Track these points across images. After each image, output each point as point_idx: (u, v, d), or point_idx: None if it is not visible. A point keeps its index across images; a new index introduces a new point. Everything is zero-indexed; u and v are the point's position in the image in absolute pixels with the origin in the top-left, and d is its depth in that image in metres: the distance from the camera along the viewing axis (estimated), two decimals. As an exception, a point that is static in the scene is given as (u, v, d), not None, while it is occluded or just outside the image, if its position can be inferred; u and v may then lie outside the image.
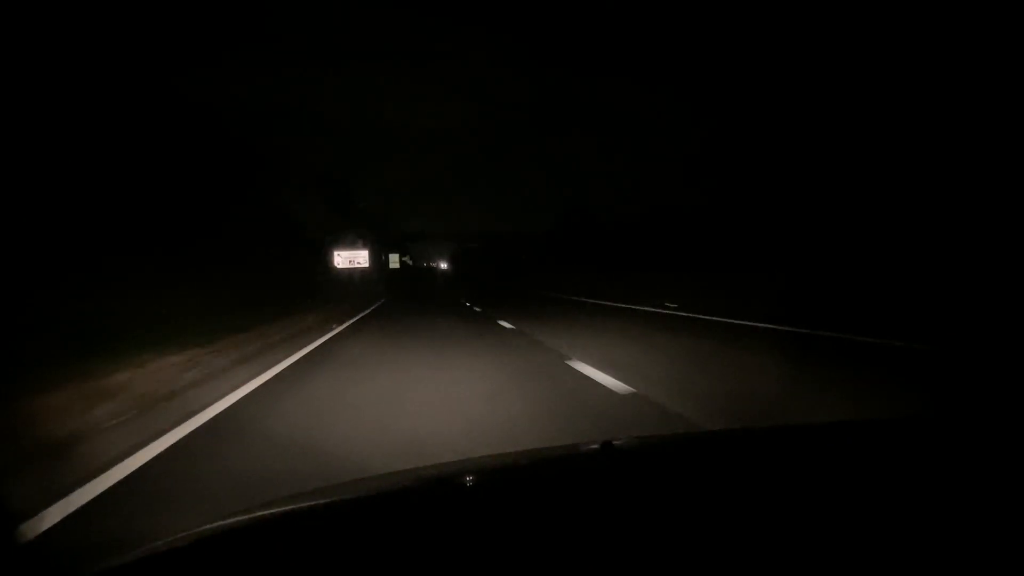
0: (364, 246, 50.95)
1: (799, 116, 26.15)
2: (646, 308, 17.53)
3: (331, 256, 48.96)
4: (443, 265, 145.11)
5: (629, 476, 1.17)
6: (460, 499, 1.11)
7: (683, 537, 0.84)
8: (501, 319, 15.65)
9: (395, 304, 28.23)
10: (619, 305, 19.97)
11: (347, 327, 16.09)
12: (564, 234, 63.87)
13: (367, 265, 50.17)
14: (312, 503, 1.16)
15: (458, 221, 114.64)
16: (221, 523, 1.01)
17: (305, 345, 10.70)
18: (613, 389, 5.71)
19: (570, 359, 7.65)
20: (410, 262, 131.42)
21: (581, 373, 6.68)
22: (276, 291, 25.40)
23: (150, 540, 0.93)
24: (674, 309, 16.33)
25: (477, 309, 21.22)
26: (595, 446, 1.27)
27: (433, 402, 5.49)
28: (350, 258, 49.70)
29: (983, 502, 0.92)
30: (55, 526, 2.76)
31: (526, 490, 1.14)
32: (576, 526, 0.89)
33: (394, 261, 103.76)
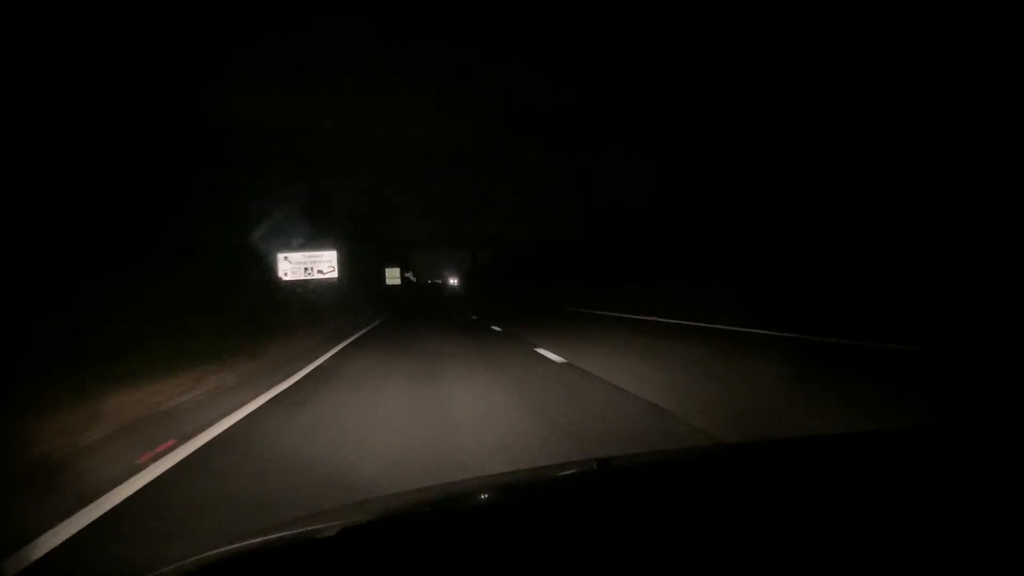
0: (332, 246, 31.47)
1: (819, 121, 25.73)
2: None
3: (276, 264, 29.54)
4: (452, 281, 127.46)
5: (625, 494, 1.16)
6: (457, 521, 1.10)
7: (679, 556, 0.82)
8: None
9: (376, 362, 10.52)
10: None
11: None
12: (601, 239, 54.54)
13: (335, 275, 30.67)
14: (316, 526, 1.14)
15: (470, 227, 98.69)
16: (230, 547, 1.00)
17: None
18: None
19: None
20: (413, 278, 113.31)
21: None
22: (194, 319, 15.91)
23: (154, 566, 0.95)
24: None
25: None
26: (592, 464, 1.29)
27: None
28: (306, 264, 30.22)
29: (996, 514, 0.90)
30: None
31: (523, 511, 1.12)
32: (572, 546, 0.88)
33: (392, 276, 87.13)
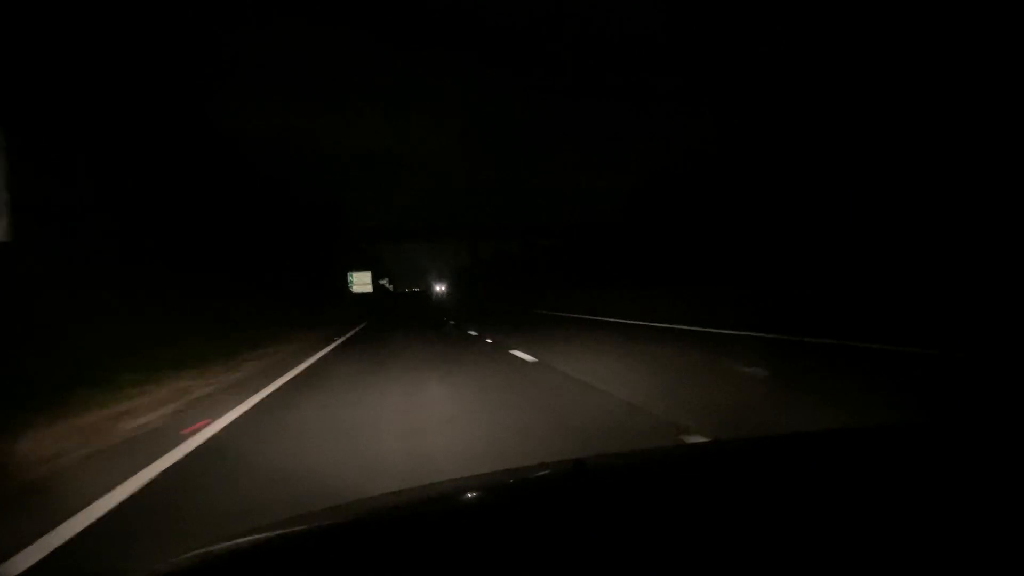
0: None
1: (801, 120, 25.86)
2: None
3: None
4: (439, 288, 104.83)
5: (599, 495, 1.14)
6: (435, 523, 1.08)
7: (652, 559, 0.81)
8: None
9: None
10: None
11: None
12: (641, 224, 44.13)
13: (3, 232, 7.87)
14: (292, 529, 1.12)
15: (463, 218, 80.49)
16: (207, 549, 0.99)
17: None
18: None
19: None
20: (389, 285, 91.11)
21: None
22: None
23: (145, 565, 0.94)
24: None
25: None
26: (567, 465, 1.22)
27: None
28: None
29: (985, 509, 0.88)
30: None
31: (496, 514, 1.11)
32: (545, 548, 0.87)
33: (362, 282, 66.77)
